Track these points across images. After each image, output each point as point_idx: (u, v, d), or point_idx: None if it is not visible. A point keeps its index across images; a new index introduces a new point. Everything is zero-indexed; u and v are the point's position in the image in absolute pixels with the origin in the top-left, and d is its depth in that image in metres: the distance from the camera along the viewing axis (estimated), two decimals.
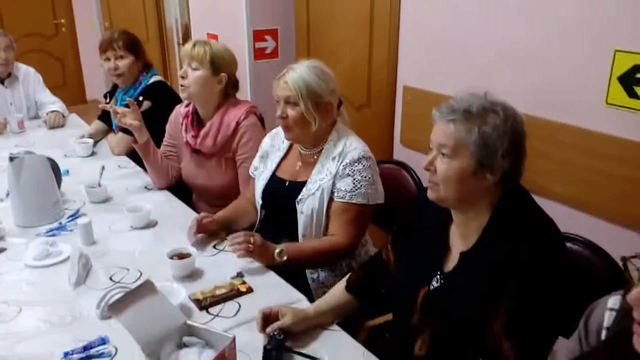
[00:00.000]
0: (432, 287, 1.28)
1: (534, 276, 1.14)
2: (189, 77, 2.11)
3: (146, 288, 1.26)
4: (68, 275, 1.62)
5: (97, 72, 6.24)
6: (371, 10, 2.77)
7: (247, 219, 2.03)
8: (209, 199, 2.29)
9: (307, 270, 1.81)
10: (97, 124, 3.06)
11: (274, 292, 1.56)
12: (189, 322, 1.29)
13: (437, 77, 2.43)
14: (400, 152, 2.72)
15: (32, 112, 3.48)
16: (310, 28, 3.27)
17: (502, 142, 1.18)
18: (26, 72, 3.45)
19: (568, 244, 1.43)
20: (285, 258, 1.67)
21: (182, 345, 1.25)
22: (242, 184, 2.18)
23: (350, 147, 1.78)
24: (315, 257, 1.76)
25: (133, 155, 2.56)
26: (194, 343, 1.25)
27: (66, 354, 1.30)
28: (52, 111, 3.33)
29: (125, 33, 2.76)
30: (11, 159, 1.95)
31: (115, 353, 1.32)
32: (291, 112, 1.76)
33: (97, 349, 1.32)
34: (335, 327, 1.42)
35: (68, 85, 6.48)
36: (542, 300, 1.14)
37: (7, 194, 2.10)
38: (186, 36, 4.66)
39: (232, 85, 2.22)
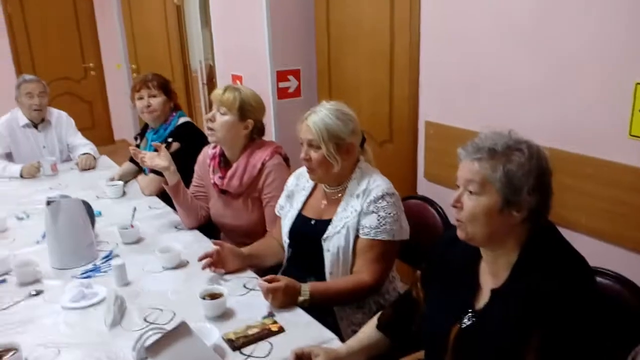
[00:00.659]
0: (463, 325, 1.28)
1: (563, 313, 1.14)
2: (217, 122, 2.18)
3: (181, 330, 1.29)
4: (104, 316, 1.66)
5: (124, 114, 6.45)
6: (391, 47, 2.83)
7: (274, 257, 2.07)
8: (236, 238, 2.32)
9: (335, 309, 1.81)
10: (127, 165, 3.15)
11: (305, 331, 1.57)
12: None
13: (458, 112, 2.46)
14: (424, 187, 2.73)
15: (64, 154, 3.60)
16: (331, 66, 3.35)
17: (527, 180, 1.20)
18: (58, 117, 3.59)
19: (598, 279, 1.42)
20: (307, 305, 1.68)
21: None
22: (269, 223, 2.21)
23: (373, 184, 1.81)
24: (342, 296, 1.77)
25: (163, 196, 2.62)
26: None
27: None
28: (84, 154, 3.44)
29: (158, 75, 2.90)
30: (48, 202, 2.00)
31: None
32: (314, 154, 1.81)
33: None
34: None
35: (97, 127, 6.67)
36: (573, 336, 1.14)
37: (44, 236, 2.17)
38: (210, 77, 4.79)
39: (258, 130, 2.28)
